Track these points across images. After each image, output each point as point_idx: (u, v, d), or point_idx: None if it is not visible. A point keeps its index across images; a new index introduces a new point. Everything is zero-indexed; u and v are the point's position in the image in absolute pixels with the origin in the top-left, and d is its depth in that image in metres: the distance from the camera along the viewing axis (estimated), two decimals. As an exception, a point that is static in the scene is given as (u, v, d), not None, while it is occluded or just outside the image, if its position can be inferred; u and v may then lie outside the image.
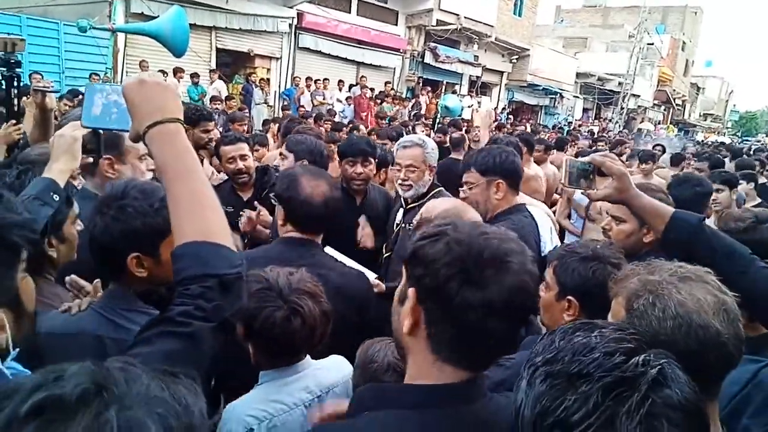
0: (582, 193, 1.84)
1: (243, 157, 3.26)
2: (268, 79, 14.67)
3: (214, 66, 13.63)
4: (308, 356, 1.58)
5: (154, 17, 6.33)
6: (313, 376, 1.55)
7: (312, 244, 1.98)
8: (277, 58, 15.23)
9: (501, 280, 0.90)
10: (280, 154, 3.01)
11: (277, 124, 7.31)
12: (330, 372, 1.60)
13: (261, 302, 1.44)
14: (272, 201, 2.07)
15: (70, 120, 2.75)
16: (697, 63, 48.16)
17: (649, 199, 1.70)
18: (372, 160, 3.08)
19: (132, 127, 1.11)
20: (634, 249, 2.24)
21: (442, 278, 0.91)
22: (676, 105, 41.59)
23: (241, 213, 2.96)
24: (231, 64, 14.84)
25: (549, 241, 2.70)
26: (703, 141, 24.57)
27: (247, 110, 11.68)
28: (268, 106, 13.87)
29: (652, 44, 31.15)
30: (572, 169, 1.77)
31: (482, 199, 2.49)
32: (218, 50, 13.86)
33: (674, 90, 38.88)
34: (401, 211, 2.89)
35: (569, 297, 1.61)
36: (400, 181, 2.83)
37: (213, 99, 9.95)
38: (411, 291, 0.96)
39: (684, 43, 40.31)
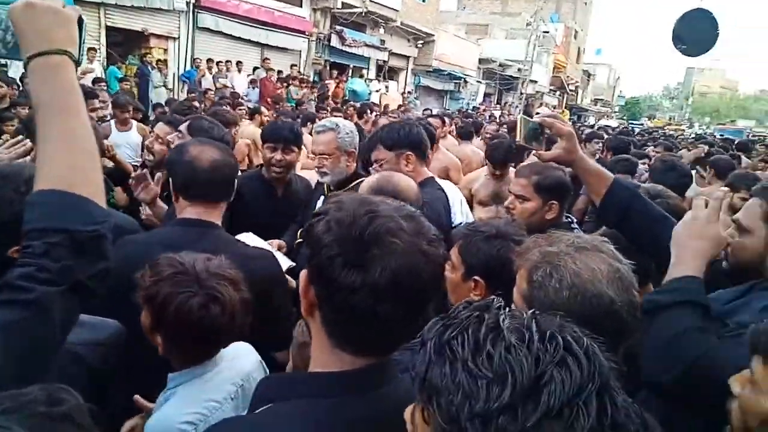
0: (534, 154, 1.87)
1: (158, 139, 3.12)
2: (166, 61, 13.86)
3: (104, 46, 12.69)
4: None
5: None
6: (232, 367, 1.46)
7: (211, 226, 1.85)
8: (175, 38, 14.40)
9: (385, 261, 0.84)
10: (178, 131, 2.79)
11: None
12: (244, 358, 1.52)
13: (175, 287, 1.32)
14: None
15: None
16: (588, 51, 51.29)
17: (593, 162, 1.77)
18: (295, 148, 2.94)
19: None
20: (537, 226, 2.31)
21: (324, 259, 0.86)
22: (570, 91, 44.10)
23: (140, 208, 2.72)
24: (123, 43, 13.84)
25: (459, 213, 2.73)
26: (594, 125, 26.24)
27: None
28: (167, 89, 13.15)
29: (548, 32, 32.77)
30: (526, 129, 1.79)
31: None
32: (108, 28, 12.86)
33: (568, 76, 41.20)
34: (322, 198, 2.80)
35: (475, 277, 1.60)
36: (316, 168, 2.75)
37: (96, 80, 9.19)
38: (303, 271, 0.93)
39: (576, 31, 42.74)
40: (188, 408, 1.33)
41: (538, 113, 1.92)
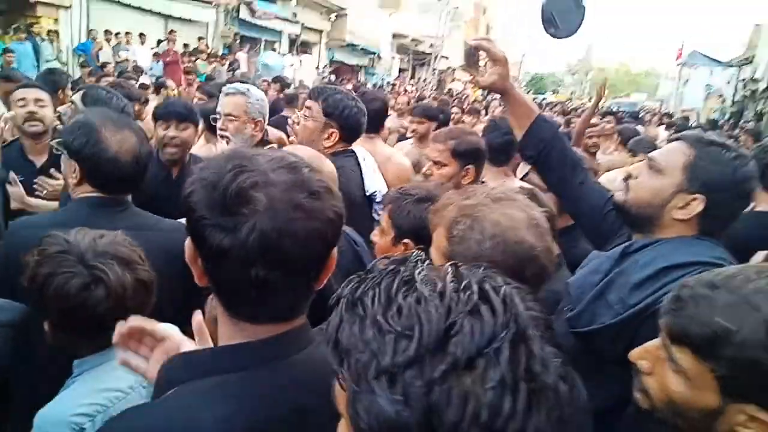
0: (470, 81, 1.95)
1: (39, 102, 2.81)
2: (57, 32, 12.74)
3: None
4: None
5: None
6: None
7: (123, 203, 1.75)
8: (67, 7, 13.23)
9: (253, 221, 0.77)
10: (71, 102, 2.60)
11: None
12: None
13: (55, 268, 1.22)
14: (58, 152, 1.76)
15: None
16: (497, 27, 52.64)
17: (523, 93, 1.81)
18: (190, 124, 2.80)
19: None
20: (455, 191, 2.40)
21: (195, 222, 0.81)
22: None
23: (35, 181, 2.46)
24: (6, 11, 12.57)
25: (373, 181, 2.72)
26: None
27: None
28: (61, 62, 12.11)
29: (458, 8, 33.26)
30: (468, 53, 1.86)
31: (310, 138, 2.40)
32: (-13, -5, 11.65)
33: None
34: None
35: (405, 240, 1.61)
36: (219, 132, 2.67)
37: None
38: (188, 238, 0.86)
39: (485, 8, 43.70)
40: (84, 399, 1.23)
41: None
